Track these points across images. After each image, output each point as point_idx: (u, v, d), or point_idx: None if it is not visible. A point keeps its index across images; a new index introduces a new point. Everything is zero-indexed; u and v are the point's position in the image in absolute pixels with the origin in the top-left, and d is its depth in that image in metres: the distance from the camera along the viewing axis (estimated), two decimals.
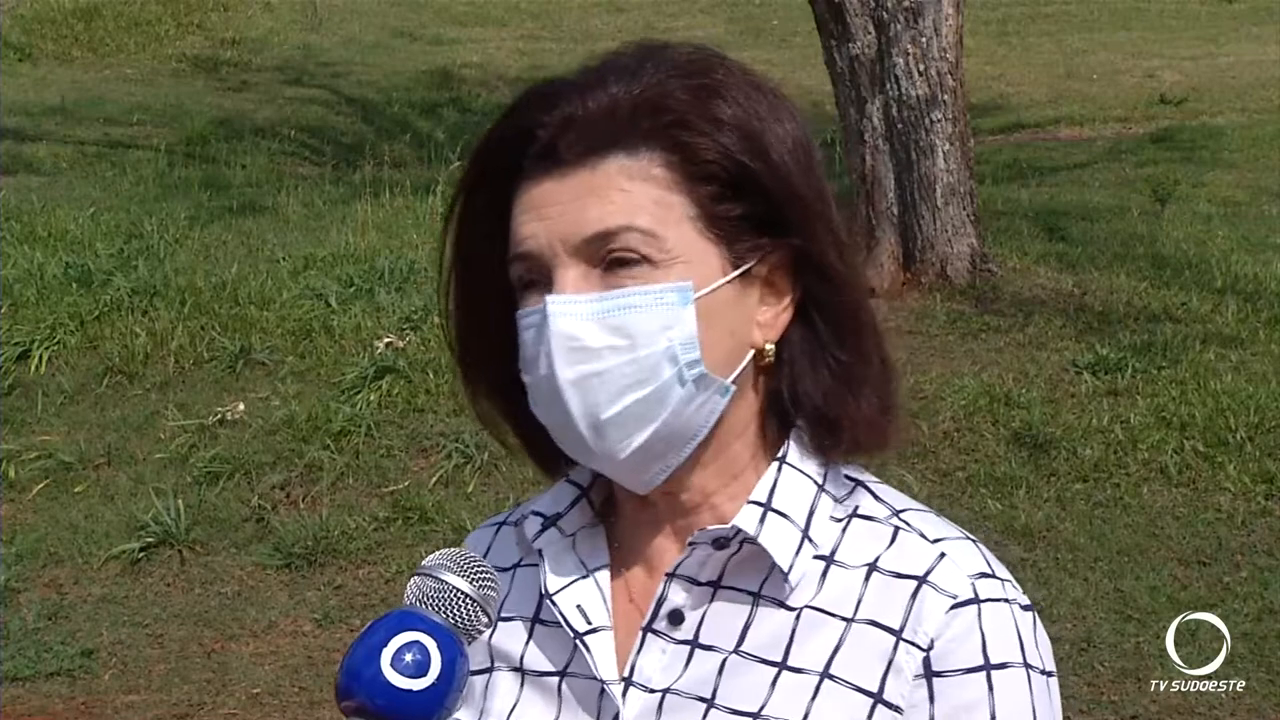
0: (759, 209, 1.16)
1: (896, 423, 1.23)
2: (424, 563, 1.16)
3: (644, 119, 1.14)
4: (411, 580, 1.15)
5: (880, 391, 1.21)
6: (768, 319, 1.18)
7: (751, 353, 1.18)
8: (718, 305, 1.15)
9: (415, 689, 1.07)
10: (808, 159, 1.19)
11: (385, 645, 1.08)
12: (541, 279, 1.15)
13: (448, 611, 1.12)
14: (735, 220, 1.16)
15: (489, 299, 1.22)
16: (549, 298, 1.13)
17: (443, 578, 1.13)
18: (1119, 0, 18.59)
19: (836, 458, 1.22)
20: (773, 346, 1.18)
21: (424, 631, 1.09)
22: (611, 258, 1.13)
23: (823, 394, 1.19)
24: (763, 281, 1.18)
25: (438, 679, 1.08)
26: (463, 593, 1.12)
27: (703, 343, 1.13)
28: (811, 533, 1.18)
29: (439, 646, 1.09)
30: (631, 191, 1.13)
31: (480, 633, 1.14)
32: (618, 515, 1.26)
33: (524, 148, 1.17)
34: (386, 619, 1.11)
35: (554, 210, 1.14)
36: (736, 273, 1.16)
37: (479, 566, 1.15)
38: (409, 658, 1.08)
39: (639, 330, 1.12)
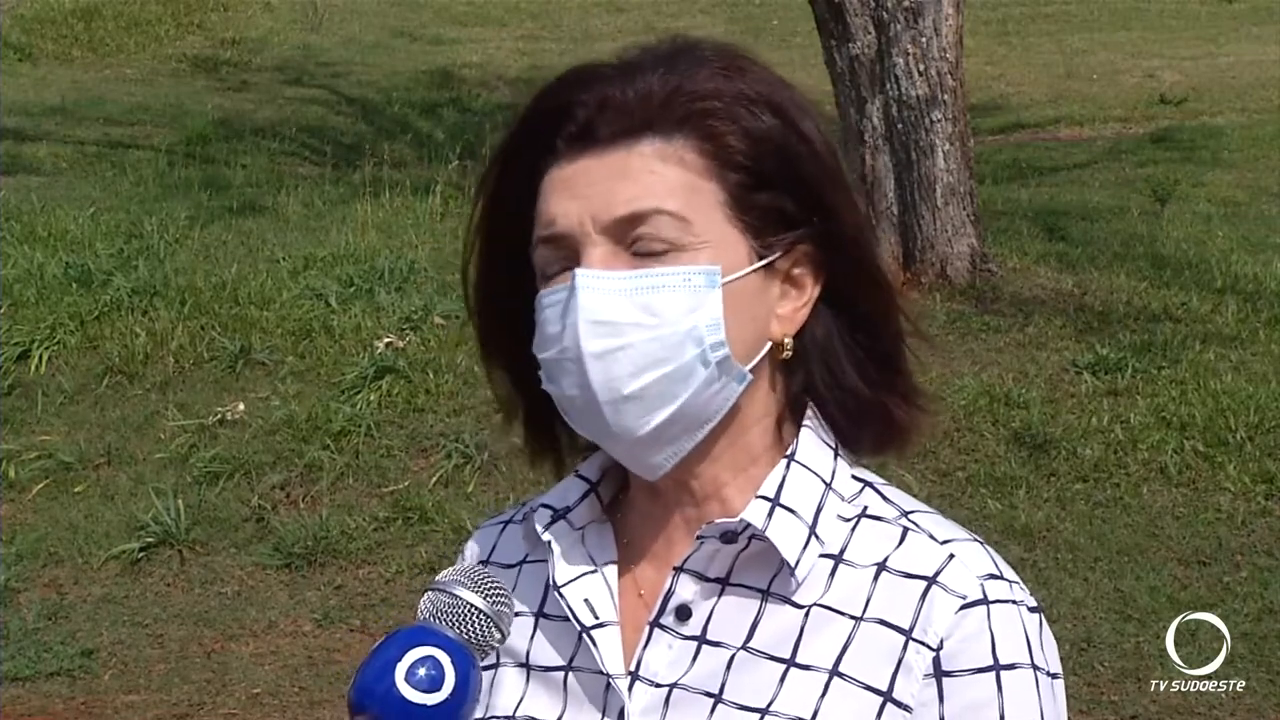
0: (787, 202, 1.18)
1: (926, 409, 1.25)
2: (438, 578, 1.16)
3: (678, 105, 1.16)
4: (425, 595, 1.15)
5: (909, 376, 1.24)
6: (787, 313, 1.20)
7: (769, 345, 1.19)
8: (742, 293, 1.16)
9: (429, 704, 1.07)
10: (831, 148, 1.21)
11: (399, 660, 1.08)
12: (568, 260, 1.16)
13: (461, 627, 1.12)
14: (763, 211, 1.18)
15: (509, 277, 1.23)
16: (578, 271, 1.14)
17: (456, 593, 1.13)
18: (1119, 0, 18.58)
19: (868, 447, 1.24)
20: (791, 341, 1.20)
21: (438, 646, 1.09)
22: (640, 242, 1.14)
23: (856, 380, 1.22)
24: (784, 276, 1.20)
25: (452, 694, 1.08)
26: (476, 608, 1.13)
27: (727, 328, 1.15)
28: (819, 530, 1.18)
29: (453, 662, 1.09)
30: (663, 174, 1.15)
31: (494, 648, 1.14)
32: (627, 510, 1.26)
33: (559, 126, 1.18)
34: (400, 634, 1.11)
35: (586, 189, 1.15)
36: (763, 262, 1.17)
37: (493, 582, 1.15)
38: (423, 672, 1.08)
39: (665, 309, 1.13)
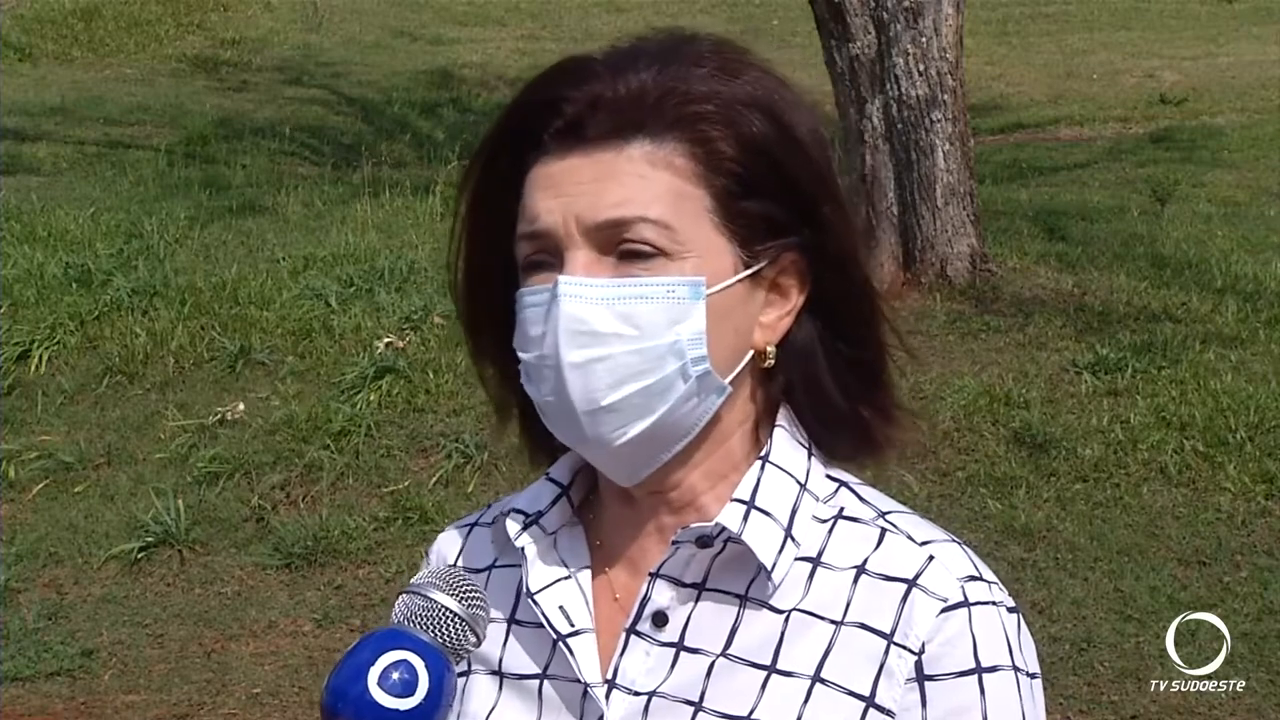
0: (776, 210, 1.16)
1: (903, 424, 1.23)
2: (413, 581, 1.14)
3: (671, 106, 1.14)
4: (399, 598, 1.13)
5: (890, 389, 1.22)
6: (770, 321, 1.18)
7: (751, 354, 1.18)
8: (727, 303, 1.14)
9: (402, 708, 1.06)
10: (826, 154, 1.19)
11: (372, 664, 1.07)
12: (550, 259, 1.14)
13: (436, 630, 1.10)
14: (751, 218, 1.15)
15: (494, 272, 1.21)
16: (561, 278, 1.12)
17: (431, 596, 1.12)
18: (1119, 0, 18.58)
19: (843, 454, 1.22)
20: (774, 349, 1.18)
21: (411, 650, 1.08)
22: (624, 248, 1.12)
23: (834, 390, 1.20)
24: (770, 284, 1.18)
25: (425, 698, 1.07)
26: (451, 611, 1.11)
27: (709, 340, 1.13)
28: (794, 532, 1.17)
29: (427, 666, 1.07)
30: (651, 179, 1.12)
31: (469, 652, 1.13)
32: (599, 513, 1.25)
33: (548, 122, 1.15)
34: (373, 637, 1.09)
35: (573, 189, 1.13)
36: (748, 272, 1.15)
37: (468, 585, 1.13)
38: (396, 676, 1.06)
39: (648, 321, 1.11)
